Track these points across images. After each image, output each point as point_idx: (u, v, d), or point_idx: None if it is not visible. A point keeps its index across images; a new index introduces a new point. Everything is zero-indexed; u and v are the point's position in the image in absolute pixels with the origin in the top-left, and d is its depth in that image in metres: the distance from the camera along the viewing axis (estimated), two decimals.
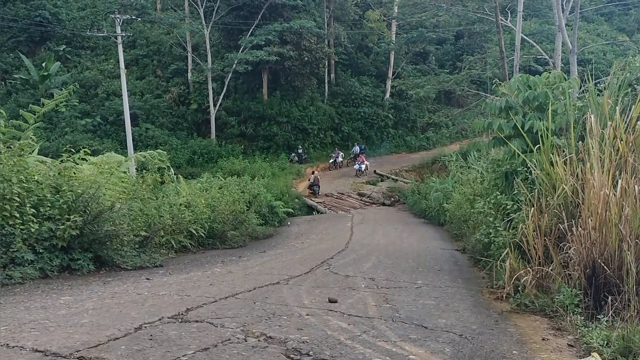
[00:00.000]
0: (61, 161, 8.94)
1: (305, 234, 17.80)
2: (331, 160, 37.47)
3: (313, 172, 32.08)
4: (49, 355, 3.95)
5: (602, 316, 5.08)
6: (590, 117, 6.65)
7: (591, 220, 5.63)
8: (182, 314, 5.29)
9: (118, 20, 28.37)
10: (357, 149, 37.86)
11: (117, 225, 8.72)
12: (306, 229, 19.60)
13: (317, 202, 28.77)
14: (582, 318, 5.25)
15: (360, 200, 30.32)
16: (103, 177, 9.49)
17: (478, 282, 8.45)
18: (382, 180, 34.05)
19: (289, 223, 22.12)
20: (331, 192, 31.07)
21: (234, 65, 36.88)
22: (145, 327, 4.78)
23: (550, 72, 8.65)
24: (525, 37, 26.14)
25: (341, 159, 37.52)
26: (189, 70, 40.19)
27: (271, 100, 39.12)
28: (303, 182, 33.84)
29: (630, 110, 6.57)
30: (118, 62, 29.26)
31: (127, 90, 28.68)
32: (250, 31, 37.39)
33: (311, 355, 4.18)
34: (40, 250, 7.57)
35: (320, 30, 39.79)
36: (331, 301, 6.19)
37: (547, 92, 7.83)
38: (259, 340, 4.49)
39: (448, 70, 40.35)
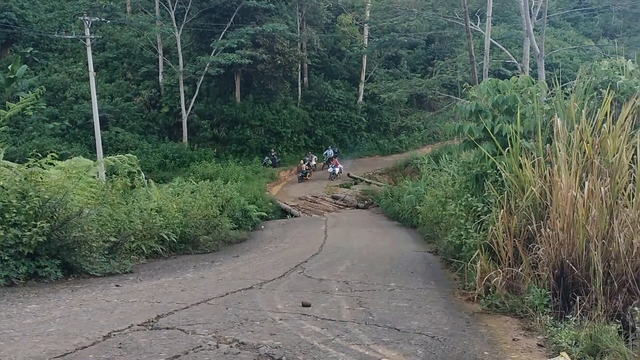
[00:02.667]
0: (28, 166, 8.74)
1: (279, 238, 17.74)
2: (305, 164, 37.23)
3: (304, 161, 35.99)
4: None
5: (571, 316, 5.17)
6: (557, 120, 6.79)
7: (559, 222, 5.74)
8: (152, 321, 5.21)
9: (87, 22, 27.85)
10: (330, 152, 37.77)
11: (86, 231, 8.56)
12: (280, 233, 19.54)
13: (291, 206, 28.71)
14: (552, 318, 5.34)
15: (334, 203, 30.36)
16: (71, 182, 9.31)
17: (450, 283, 8.53)
18: (355, 183, 34.14)
19: (262, 227, 22.01)
20: (305, 196, 31.05)
21: (206, 69, 36.59)
22: (115, 335, 4.69)
23: (518, 76, 8.81)
24: (494, 41, 26.57)
25: (314, 162, 37.27)
26: (160, 73, 39.71)
27: (244, 104, 38.91)
28: (277, 185, 33.79)
29: (595, 113, 6.73)
30: (87, 64, 28.72)
31: (97, 94, 28.18)
32: (222, 34, 37.12)
33: None
34: (6, 258, 7.38)
35: (293, 33, 39.73)
36: (305, 305, 6.17)
37: (515, 96, 7.97)
38: (231, 347, 4.44)
39: (420, 74, 40.72)
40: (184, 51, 38.95)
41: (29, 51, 39.64)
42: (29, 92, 25.61)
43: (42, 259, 7.88)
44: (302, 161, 36.06)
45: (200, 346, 4.41)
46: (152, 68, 40.26)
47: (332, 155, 37.17)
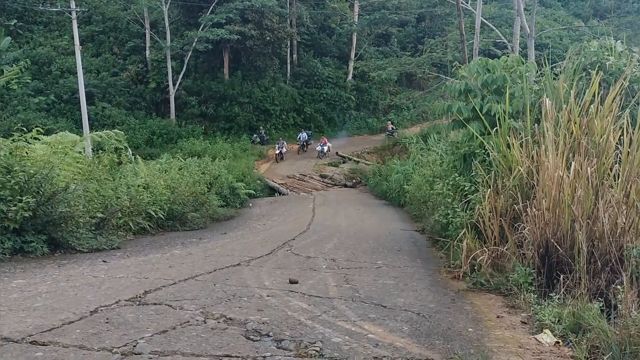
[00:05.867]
0: (12, 140, 8.61)
1: (267, 216, 17.75)
2: (277, 152, 34.77)
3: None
4: None
5: (554, 294, 5.25)
6: (545, 100, 6.81)
7: (545, 201, 5.79)
8: (139, 297, 5.21)
9: None
10: (304, 135, 36.80)
11: (72, 207, 8.49)
12: (268, 211, 19.55)
13: (279, 184, 28.71)
14: (535, 296, 5.41)
15: (322, 181, 30.39)
16: (57, 157, 9.20)
17: (436, 261, 8.61)
18: (344, 162, 34.15)
19: (250, 205, 22.00)
20: (293, 174, 31.04)
21: (194, 44, 36.11)
22: (102, 310, 4.69)
23: (508, 56, 8.80)
24: (485, 20, 26.43)
25: (285, 150, 35.19)
26: (147, 48, 39.15)
27: (232, 80, 38.55)
28: (265, 163, 33.71)
29: (584, 94, 6.75)
30: (72, 38, 28.19)
31: (83, 68, 27.71)
32: (210, 9, 36.59)
33: (271, 336, 4.18)
34: None
35: (282, 9, 39.26)
36: (292, 282, 6.20)
37: (505, 76, 7.97)
38: (218, 322, 4.46)
39: (410, 52, 40.56)
40: (171, 26, 38.38)
41: (13, 23, 38.78)
42: (13, 65, 25.23)
43: (28, 234, 7.82)
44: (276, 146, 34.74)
45: (188, 321, 4.43)
46: (139, 42, 39.68)
47: (307, 138, 36.72)
